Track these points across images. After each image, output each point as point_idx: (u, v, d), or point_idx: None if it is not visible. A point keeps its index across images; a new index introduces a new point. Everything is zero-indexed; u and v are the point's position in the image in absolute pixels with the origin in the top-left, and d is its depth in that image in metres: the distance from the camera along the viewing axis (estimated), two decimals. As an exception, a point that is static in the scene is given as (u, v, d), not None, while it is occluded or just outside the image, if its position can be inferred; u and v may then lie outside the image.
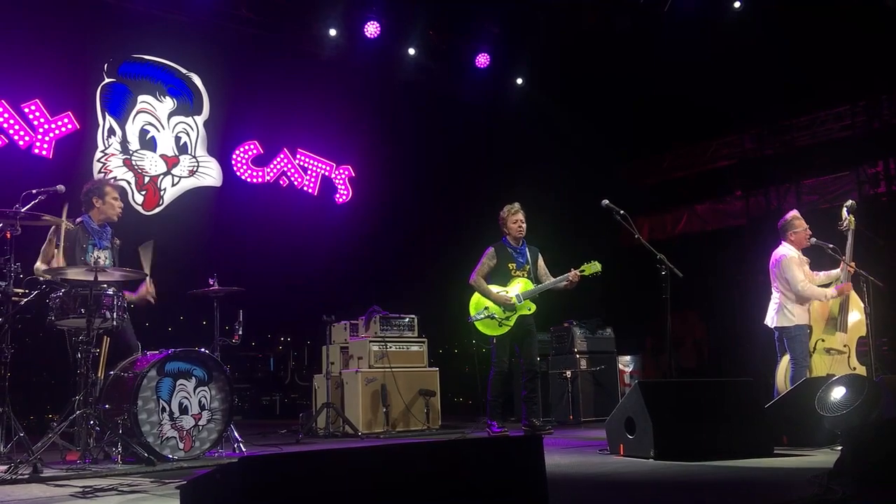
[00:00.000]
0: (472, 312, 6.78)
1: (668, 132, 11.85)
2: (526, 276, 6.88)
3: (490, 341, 6.81)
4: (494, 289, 6.79)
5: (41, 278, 5.24)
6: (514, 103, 11.73)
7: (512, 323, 6.72)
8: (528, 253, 6.98)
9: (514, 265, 6.88)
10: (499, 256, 6.88)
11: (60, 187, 5.23)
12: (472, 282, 6.86)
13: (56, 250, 5.35)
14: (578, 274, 6.72)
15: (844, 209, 6.53)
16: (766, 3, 9.93)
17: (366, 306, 8.12)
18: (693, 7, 10.01)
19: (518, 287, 6.80)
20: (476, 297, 6.85)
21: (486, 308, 6.73)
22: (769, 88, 10.57)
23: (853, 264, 6.41)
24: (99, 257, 5.53)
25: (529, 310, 6.80)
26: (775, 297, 6.57)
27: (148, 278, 5.76)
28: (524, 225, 6.93)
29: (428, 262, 9.66)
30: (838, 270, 6.51)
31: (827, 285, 6.52)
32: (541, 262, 7.07)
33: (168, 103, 9.45)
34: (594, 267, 6.80)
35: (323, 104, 10.45)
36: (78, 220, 5.59)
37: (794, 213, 6.74)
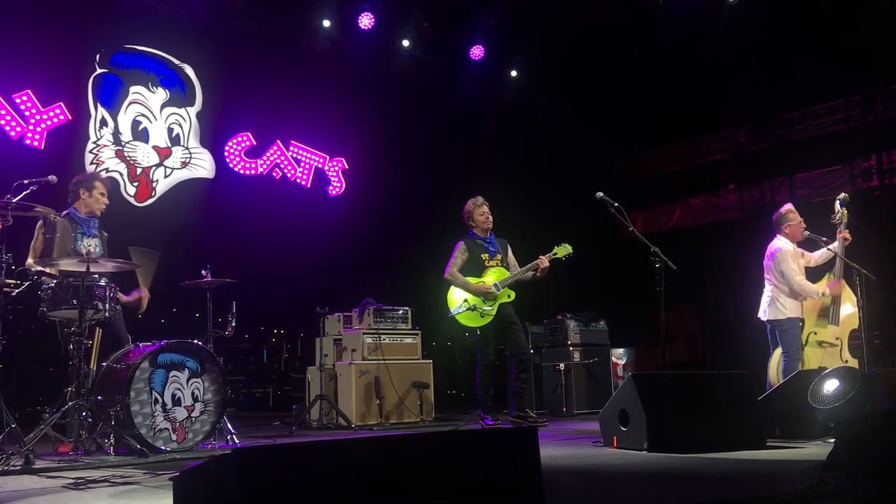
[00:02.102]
0: (451, 307, 6.78)
1: (662, 125, 11.85)
2: (499, 264, 6.91)
3: (474, 333, 6.80)
4: (471, 280, 6.80)
5: (33, 269, 5.22)
6: (509, 96, 11.72)
7: (494, 312, 6.73)
8: (497, 243, 7.02)
9: (487, 255, 6.90)
10: (470, 249, 6.90)
11: (52, 178, 5.21)
12: (448, 275, 6.84)
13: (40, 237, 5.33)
14: (546, 259, 6.75)
15: (837, 202, 6.58)
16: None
17: (359, 298, 8.11)
18: (688, 1, 10.00)
19: (494, 276, 6.82)
20: (452, 292, 6.85)
21: (465, 300, 6.72)
22: (763, 82, 10.58)
23: (847, 234, 6.45)
24: (89, 245, 5.52)
25: (509, 297, 6.83)
26: (767, 290, 6.60)
27: (145, 290, 5.75)
28: (490, 216, 6.97)
29: (421, 254, 9.63)
30: (826, 250, 6.54)
31: (823, 272, 6.57)
32: (510, 253, 7.10)
33: (160, 94, 9.41)
34: (565, 249, 6.84)
35: (316, 96, 10.43)
36: (64, 212, 5.57)
37: (789, 206, 6.77)
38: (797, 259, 6.55)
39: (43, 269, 5.19)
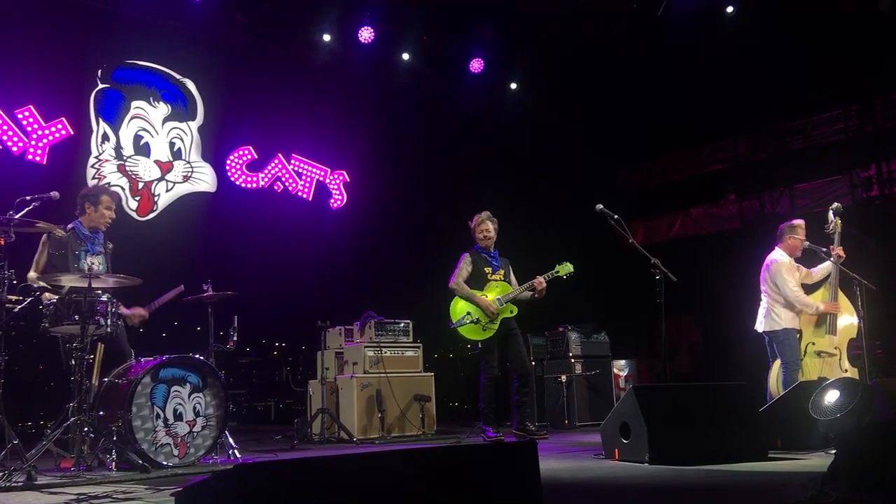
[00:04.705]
0: (454, 318, 6.80)
1: (662, 136, 11.88)
2: (502, 279, 6.96)
3: (476, 346, 6.83)
4: (475, 293, 6.83)
5: (35, 285, 5.23)
6: (509, 108, 11.75)
7: (496, 326, 6.76)
8: (500, 260, 7.08)
9: (490, 269, 6.96)
10: (474, 262, 6.96)
11: (54, 194, 5.21)
12: (454, 285, 6.87)
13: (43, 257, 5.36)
14: (543, 280, 6.80)
15: (831, 212, 6.62)
16: (759, 8, 9.97)
17: (361, 311, 8.12)
18: (687, 12, 10.05)
19: (496, 291, 6.86)
20: (455, 303, 6.87)
21: (469, 313, 6.75)
22: (763, 92, 10.60)
23: (841, 251, 6.47)
24: (93, 263, 5.53)
25: (512, 312, 6.86)
26: (764, 302, 6.62)
27: (146, 311, 5.78)
28: (490, 234, 7.02)
29: (423, 266, 9.66)
30: (829, 263, 6.55)
31: (820, 283, 6.58)
32: (511, 274, 7.15)
33: (162, 109, 9.45)
34: (567, 268, 6.89)
35: (317, 109, 10.46)
36: (69, 226, 5.58)
37: (802, 221, 6.78)
38: (792, 272, 6.57)
39: (45, 284, 5.20)
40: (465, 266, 6.93)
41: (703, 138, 12.00)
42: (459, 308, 6.83)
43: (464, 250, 7.07)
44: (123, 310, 5.71)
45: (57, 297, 5.08)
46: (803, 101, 10.70)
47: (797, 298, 6.40)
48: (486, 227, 7.01)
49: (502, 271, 7.01)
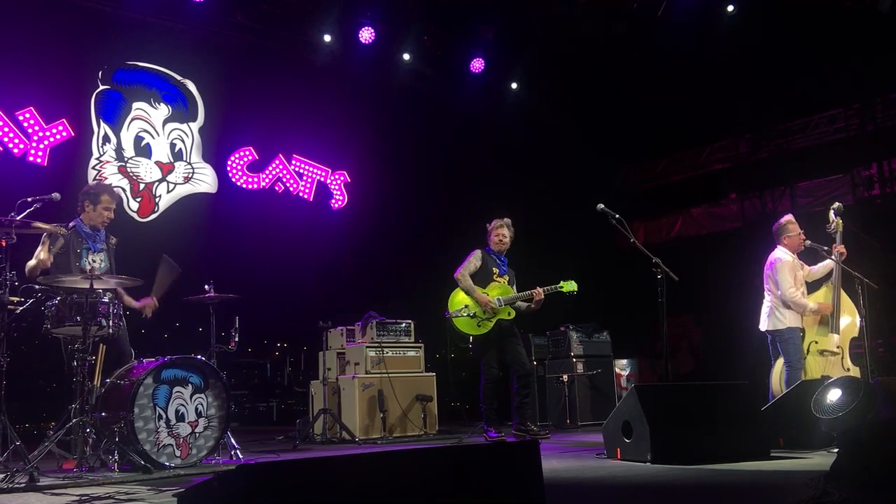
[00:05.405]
0: (451, 308, 6.84)
1: (663, 136, 11.88)
2: (506, 283, 7.01)
3: (468, 341, 6.87)
4: (477, 288, 6.87)
5: (35, 283, 5.22)
6: (510, 108, 11.75)
7: (491, 324, 6.80)
8: (507, 267, 7.14)
9: (497, 271, 7.02)
10: (484, 260, 7.03)
11: (56, 195, 5.21)
12: (459, 276, 6.94)
13: (44, 248, 5.35)
14: (542, 292, 6.85)
15: (832, 211, 6.61)
16: (759, 7, 9.97)
17: (362, 312, 8.13)
18: (687, 12, 10.05)
19: (497, 291, 6.90)
20: (455, 294, 6.93)
21: (467, 306, 6.80)
22: (764, 92, 10.61)
23: (843, 248, 6.46)
24: (94, 261, 5.52)
25: (509, 315, 6.90)
26: (766, 301, 6.60)
27: (154, 298, 5.79)
28: (505, 240, 7.09)
29: (424, 267, 9.66)
30: (829, 261, 6.55)
31: (822, 282, 6.57)
32: (514, 285, 7.16)
33: (163, 110, 9.45)
34: (571, 286, 6.96)
35: (318, 110, 10.46)
36: (70, 224, 5.57)
37: (789, 217, 6.78)
38: (795, 271, 6.56)
39: (40, 278, 5.18)
40: (473, 261, 7.00)
41: (703, 138, 12.00)
42: (458, 299, 6.90)
43: (464, 247, 7.11)
44: (134, 304, 5.73)
45: (59, 298, 5.07)
46: (803, 101, 10.70)
47: (792, 298, 6.40)
48: (503, 232, 7.08)
49: (507, 277, 7.05)
